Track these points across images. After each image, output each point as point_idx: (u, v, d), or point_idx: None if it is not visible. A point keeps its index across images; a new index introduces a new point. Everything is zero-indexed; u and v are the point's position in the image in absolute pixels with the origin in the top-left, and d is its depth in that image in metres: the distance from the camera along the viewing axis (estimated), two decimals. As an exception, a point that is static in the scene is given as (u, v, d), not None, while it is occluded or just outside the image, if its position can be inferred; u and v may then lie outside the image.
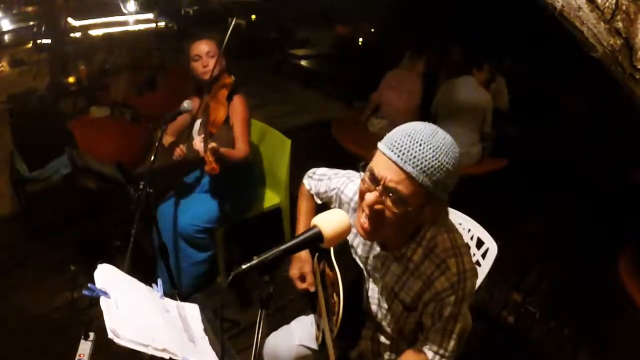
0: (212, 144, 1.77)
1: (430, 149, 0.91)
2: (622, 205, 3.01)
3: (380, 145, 0.97)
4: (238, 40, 2.13)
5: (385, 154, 0.94)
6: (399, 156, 0.92)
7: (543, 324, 2.39)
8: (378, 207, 0.97)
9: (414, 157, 0.91)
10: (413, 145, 0.91)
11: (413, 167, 0.91)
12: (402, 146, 0.92)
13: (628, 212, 2.81)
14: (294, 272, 1.47)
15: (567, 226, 3.18)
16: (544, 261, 2.86)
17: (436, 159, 0.91)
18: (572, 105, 4.07)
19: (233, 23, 1.96)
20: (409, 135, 0.93)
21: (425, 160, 0.91)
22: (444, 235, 1.09)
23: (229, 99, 2.08)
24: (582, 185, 3.42)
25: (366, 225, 1.01)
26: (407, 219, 0.99)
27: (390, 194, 0.94)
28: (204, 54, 2.09)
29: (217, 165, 1.76)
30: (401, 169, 0.92)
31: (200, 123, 2.11)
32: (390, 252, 1.14)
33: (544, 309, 2.46)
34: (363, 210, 1.00)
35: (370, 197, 0.97)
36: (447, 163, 0.92)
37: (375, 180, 0.96)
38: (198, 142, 1.81)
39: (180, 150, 2.06)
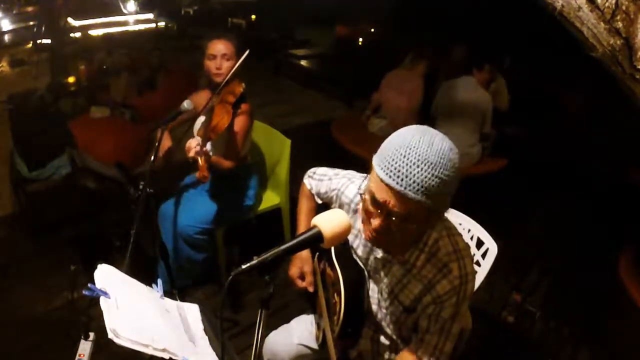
0: (206, 149, 1.76)
1: (428, 167, 0.88)
2: (622, 205, 3.01)
3: (376, 167, 0.94)
4: (238, 40, 2.15)
5: (384, 181, 0.92)
6: (398, 183, 0.89)
7: (543, 324, 2.39)
8: (383, 227, 0.98)
9: (414, 181, 0.88)
10: (410, 167, 0.88)
11: (415, 193, 0.89)
12: (399, 171, 0.89)
13: (628, 212, 2.81)
14: (293, 271, 1.46)
15: (567, 226, 3.18)
16: (544, 261, 2.86)
17: (436, 177, 0.88)
18: (572, 105, 4.07)
19: (246, 54, 1.94)
20: (404, 156, 0.89)
21: (426, 182, 0.88)
22: (445, 239, 1.09)
23: (236, 106, 2.03)
24: (582, 185, 3.42)
25: (374, 239, 1.03)
26: (412, 231, 1.00)
27: (394, 218, 0.95)
28: (220, 55, 2.05)
29: (208, 173, 1.74)
30: (403, 195, 0.90)
31: (202, 123, 2.10)
32: (393, 256, 1.15)
33: (544, 309, 2.46)
34: (369, 227, 1.02)
35: (375, 222, 0.98)
36: (446, 176, 0.89)
37: (377, 203, 0.96)
38: (194, 144, 1.77)
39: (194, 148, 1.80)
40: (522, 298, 2.52)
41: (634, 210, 2.76)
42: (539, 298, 2.57)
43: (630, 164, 3.37)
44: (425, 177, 0.88)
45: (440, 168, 0.88)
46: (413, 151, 0.89)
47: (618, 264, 2.23)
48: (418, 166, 0.88)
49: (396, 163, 0.90)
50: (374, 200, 0.96)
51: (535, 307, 2.46)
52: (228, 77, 2.03)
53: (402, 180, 0.89)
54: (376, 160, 0.95)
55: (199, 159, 1.74)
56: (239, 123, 2.10)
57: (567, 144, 3.65)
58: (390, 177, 0.90)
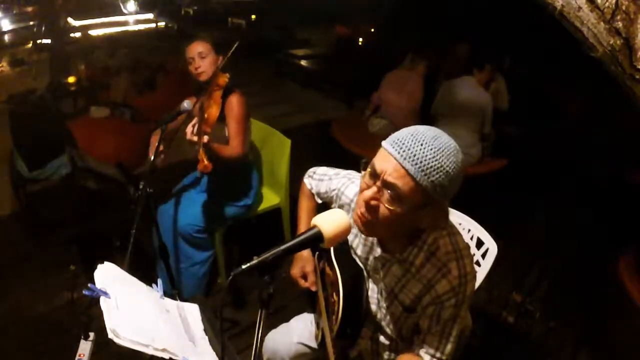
0: (203, 140, 1.74)
1: (431, 149, 0.92)
2: (622, 205, 3.01)
3: (383, 142, 0.99)
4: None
5: (386, 150, 0.96)
6: (399, 152, 0.93)
7: (543, 324, 2.39)
8: (374, 202, 0.98)
9: (414, 155, 0.91)
10: (414, 144, 0.92)
11: (412, 165, 0.91)
12: (403, 144, 0.93)
13: (628, 213, 2.81)
14: (295, 271, 1.46)
15: (567, 226, 3.18)
16: (544, 261, 2.86)
17: (436, 160, 0.91)
18: (572, 105, 4.07)
19: (235, 46, 1.97)
20: (412, 135, 0.94)
21: (425, 160, 0.91)
22: (445, 238, 1.09)
23: (224, 97, 2.05)
24: (582, 186, 3.42)
25: (362, 219, 1.02)
26: (403, 219, 0.98)
27: (388, 190, 0.95)
28: (196, 56, 2.09)
29: (209, 163, 1.72)
30: (400, 165, 0.93)
31: (196, 122, 2.10)
32: (392, 255, 1.14)
33: (544, 309, 2.46)
34: (360, 205, 1.01)
35: (368, 192, 0.98)
36: (447, 166, 0.92)
37: (375, 175, 0.97)
38: (189, 133, 1.77)
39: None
40: (522, 298, 2.52)
41: (634, 211, 2.76)
42: (539, 298, 2.57)
43: (630, 164, 3.37)
44: (426, 155, 0.91)
45: (442, 156, 0.92)
46: (421, 134, 0.94)
47: (618, 265, 2.23)
48: (422, 145, 0.92)
49: (402, 138, 0.95)
50: (372, 170, 0.98)
51: (535, 307, 2.46)
52: (226, 62, 2.06)
53: (403, 151, 0.93)
54: (384, 141, 0.99)
55: (200, 150, 1.73)
56: (232, 111, 2.11)
57: (567, 144, 3.65)
58: (392, 147, 0.95)
